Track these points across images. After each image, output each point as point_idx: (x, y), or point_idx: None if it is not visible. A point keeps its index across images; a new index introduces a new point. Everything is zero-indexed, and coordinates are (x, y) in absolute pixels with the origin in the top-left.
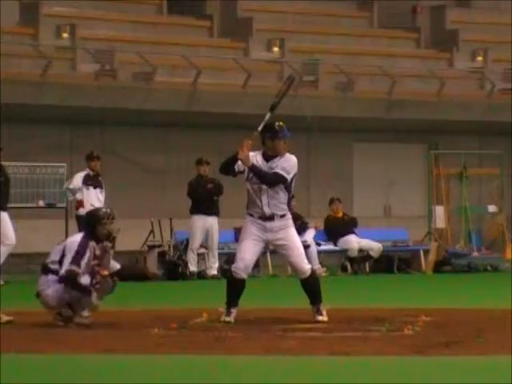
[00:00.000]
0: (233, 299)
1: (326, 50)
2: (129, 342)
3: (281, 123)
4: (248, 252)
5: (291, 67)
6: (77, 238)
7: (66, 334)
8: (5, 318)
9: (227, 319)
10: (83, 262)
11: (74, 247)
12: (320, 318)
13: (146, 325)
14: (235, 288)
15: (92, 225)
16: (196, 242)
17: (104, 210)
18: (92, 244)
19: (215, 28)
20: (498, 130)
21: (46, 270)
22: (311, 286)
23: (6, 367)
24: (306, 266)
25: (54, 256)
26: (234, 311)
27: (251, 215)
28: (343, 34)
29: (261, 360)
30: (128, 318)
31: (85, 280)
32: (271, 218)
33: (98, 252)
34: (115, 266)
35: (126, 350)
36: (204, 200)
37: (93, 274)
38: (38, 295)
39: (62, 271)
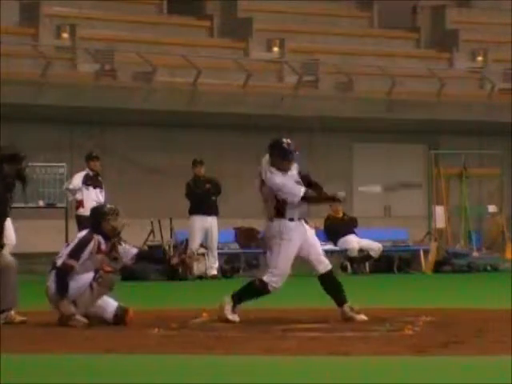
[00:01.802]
0: (248, 301)
1: (326, 50)
2: (129, 342)
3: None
4: (289, 267)
5: (291, 67)
6: (83, 232)
7: (66, 334)
8: (19, 318)
9: (233, 318)
10: (83, 256)
11: (77, 240)
12: (359, 317)
13: (146, 325)
14: (260, 295)
15: (97, 221)
16: (195, 243)
17: (108, 206)
18: (97, 237)
19: (215, 28)
20: (498, 129)
21: (53, 266)
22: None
23: (6, 367)
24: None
25: (62, 252)
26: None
27: (292, 219)
28: (343, 33)
29: (261, 360)
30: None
31: (88, 277)
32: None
33: (103, 246)
34: (131, 251)
35: (126, 350)
36: (202, 200)
37: (97, 269)
38: (47, 290)
39: (59, 263)
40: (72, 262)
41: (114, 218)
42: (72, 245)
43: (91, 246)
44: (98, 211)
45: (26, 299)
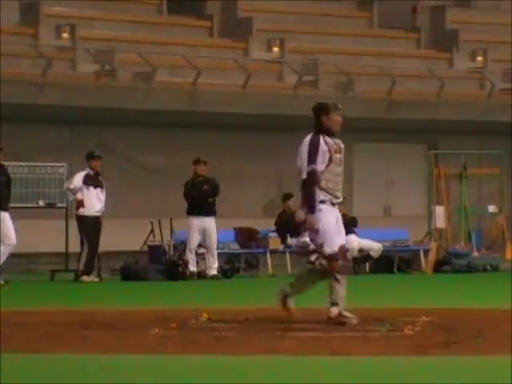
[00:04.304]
0: None
1: (326, 50)
2: (129, 342)
3: None
4: None
5: (291, 67)
6: (307, 137)
7: (66, 334)
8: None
9: None
10: (320, 158)
11: (306, 147)
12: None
13: (146, 325)
14: None
15: (318, 116)
16: (193, 243)
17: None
18: (323, 138)
19: (215, 28)
20: (497, 129)
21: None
22: None
23: (6, 367)
24: None
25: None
26: None
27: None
28: (343, 34)
29: (261, 360)
30: (128, 317)
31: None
32: None
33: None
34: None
35: (126, 350)
36: (199, 202)
37: None
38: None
39: (303, 176)
40: (314, 167)
41: (336, 114)
42: (305, 152)
43: (323, 147)
44: (320, 106)
45: (25, 299)
